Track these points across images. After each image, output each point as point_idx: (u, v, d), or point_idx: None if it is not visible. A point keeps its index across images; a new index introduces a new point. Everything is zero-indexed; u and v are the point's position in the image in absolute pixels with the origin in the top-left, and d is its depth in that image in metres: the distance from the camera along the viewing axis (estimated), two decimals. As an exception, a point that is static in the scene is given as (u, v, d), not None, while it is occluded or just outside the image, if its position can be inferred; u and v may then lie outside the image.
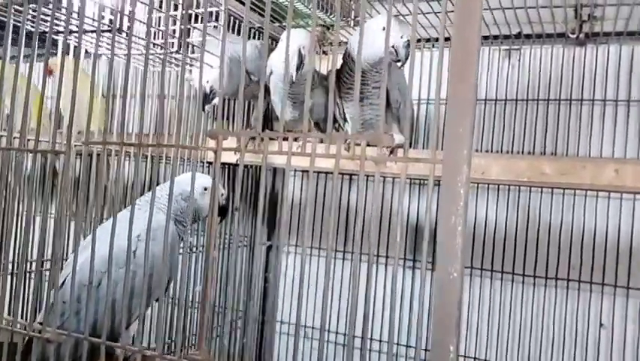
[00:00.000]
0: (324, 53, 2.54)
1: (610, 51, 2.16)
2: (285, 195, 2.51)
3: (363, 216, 2.27)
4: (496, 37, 2.30)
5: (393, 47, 1.69)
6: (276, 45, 2.20)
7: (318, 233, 2.57)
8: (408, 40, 1.68)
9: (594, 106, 2.17)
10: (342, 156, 0.83)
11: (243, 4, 2.08)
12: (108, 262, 1.12)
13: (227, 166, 2.40)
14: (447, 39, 0.87)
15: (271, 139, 0.92)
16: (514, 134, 2.29)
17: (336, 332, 2.50)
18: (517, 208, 2.27)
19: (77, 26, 1.27)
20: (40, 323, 1.16)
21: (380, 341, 2.41)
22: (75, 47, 1.68)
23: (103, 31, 1.32)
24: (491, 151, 2.32)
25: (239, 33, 2.24)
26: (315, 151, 0.81)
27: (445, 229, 0.76)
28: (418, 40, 2.35)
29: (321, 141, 0.94)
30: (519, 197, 2.27)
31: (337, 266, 2.50)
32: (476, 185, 2.30)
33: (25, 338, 1.23)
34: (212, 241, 0.91)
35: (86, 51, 1.77)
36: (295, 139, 0.87)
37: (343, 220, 2.53)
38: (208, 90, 1.81)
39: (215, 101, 1.99)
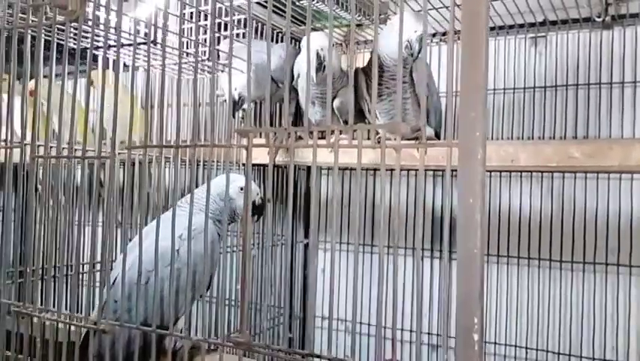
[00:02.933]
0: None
1: (638, 32, 2.14)
2: (314, 192, 2.56)
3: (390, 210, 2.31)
4: (521, 25, 2.30)
5: (408, 41, 1.74)
6: (299, 46, 2.26)
7: (350, 229, 2.61)
8: (420, 35, 1.72)
9: (624, 89, 2.16)
10: (363, 146, 0.88)
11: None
12: (155, 261, 1.20)
13: (259, 167, 2.46)
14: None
15: (300, 138, 0.98)
16: (544, 122, 2.29)
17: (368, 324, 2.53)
18: (552, 195, 2.27)
19: (115, 41, 1.36)
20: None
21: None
22: (114, 60, 1.78)
23: (139, 44, 1.41)
24: (522, 140, 2.32)
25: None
26: (337, 142, 0.87)
27: (464, 208, 0.80)
28: (443, 34, 2.38)
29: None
30: (553, 184, 2.27)
31: (367, 260, 2.54)
32: (509, 173, 2.32)
33: (82, 334, 1.32)
34: (247, 235, 0.97)
35: (124, 64, 1.87)
36: (321, 133, 0.93)
37: (370, 215, 2.57)
38: (237, 97, 1.88)
39: (245, 106, 2.07)
